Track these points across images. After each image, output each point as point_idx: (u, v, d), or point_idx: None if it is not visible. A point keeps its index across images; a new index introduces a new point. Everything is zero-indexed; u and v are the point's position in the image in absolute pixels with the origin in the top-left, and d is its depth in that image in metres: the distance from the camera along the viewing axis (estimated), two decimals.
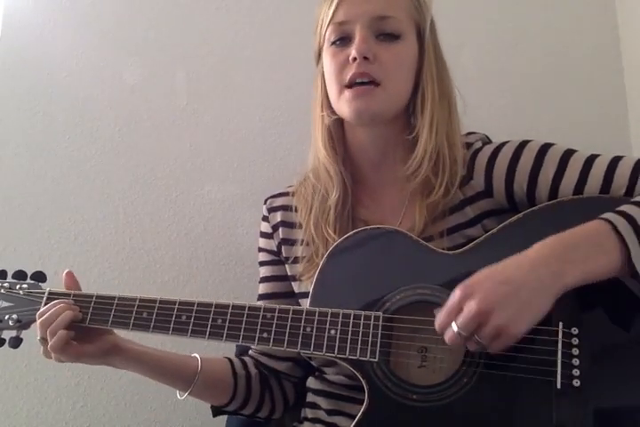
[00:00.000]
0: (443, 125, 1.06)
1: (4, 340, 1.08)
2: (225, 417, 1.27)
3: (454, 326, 0.83)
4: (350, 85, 1.03)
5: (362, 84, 1.02)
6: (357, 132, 1.11)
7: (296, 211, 1.16)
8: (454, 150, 1.06)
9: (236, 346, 1.27)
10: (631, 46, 1.67)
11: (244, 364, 1.18)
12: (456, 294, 0.84)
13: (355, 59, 1.02)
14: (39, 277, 1.11)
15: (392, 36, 1.04)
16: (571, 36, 1.72)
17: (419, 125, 1.06)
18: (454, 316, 0.83)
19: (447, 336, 0.85)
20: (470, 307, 0.82)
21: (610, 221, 0.86)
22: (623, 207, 0.88)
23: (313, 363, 1.11)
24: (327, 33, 1.06)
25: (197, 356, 1.13)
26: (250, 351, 1.21)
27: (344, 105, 1.04)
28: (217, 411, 1.18)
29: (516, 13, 1.73)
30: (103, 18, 1.70)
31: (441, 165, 1.05)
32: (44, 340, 1.02)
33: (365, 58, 1.01)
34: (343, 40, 1.05)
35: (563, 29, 1.72)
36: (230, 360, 1.18)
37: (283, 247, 1.17)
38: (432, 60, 1.08)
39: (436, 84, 1.07)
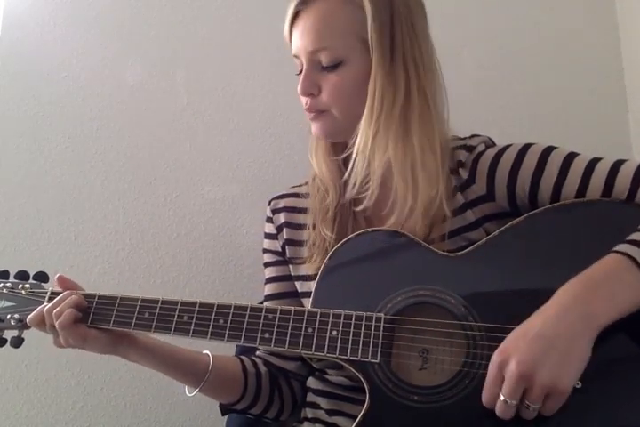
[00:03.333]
0: (392, 135, 1.01)
1: (6, 339, 1.08)
2: (224, 418, 1.27)
3: (501, 397, 0.80)
4: None
5: None
6: None
7: (300, 212, 1.17)
8: (434, 156, 1.02)
9: (236, 346, 1.28)
10: (631, 46, 1.67)
11: (254, 362, 1.18)
12: (494, 362, 0.82)
13: None
14: (42, 277, 1.11)
15: (333, 66, 1.03)
16: (571, 36, 1.72)
17: (353, 145, 1.03)
18: (499, 386, 0.81)
19: (498, 410, 0.82)
20: (511, 372, 0.79)
21: (629, 255, 0.84)
22: (634, 236, 0.87)
23: (315, 365, 1.11)
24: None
25: (208, 353, 1.13)
26: (257, 352, 1.21)
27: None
28: (225, 409, 1.17)
29: (515, 14, 1.73)
30: (103, 18, 1.70)
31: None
32: (52, 326, 1.02)
33: (310, 94, 1.05)
34: (302, 71, 1.07)
35: (563, 29, 1.73)
36: (240, 359, 1.18)
37: (287, 248, 1.17)
38: (380, 68, 1.01)
39: (390, 89, 1.01)
